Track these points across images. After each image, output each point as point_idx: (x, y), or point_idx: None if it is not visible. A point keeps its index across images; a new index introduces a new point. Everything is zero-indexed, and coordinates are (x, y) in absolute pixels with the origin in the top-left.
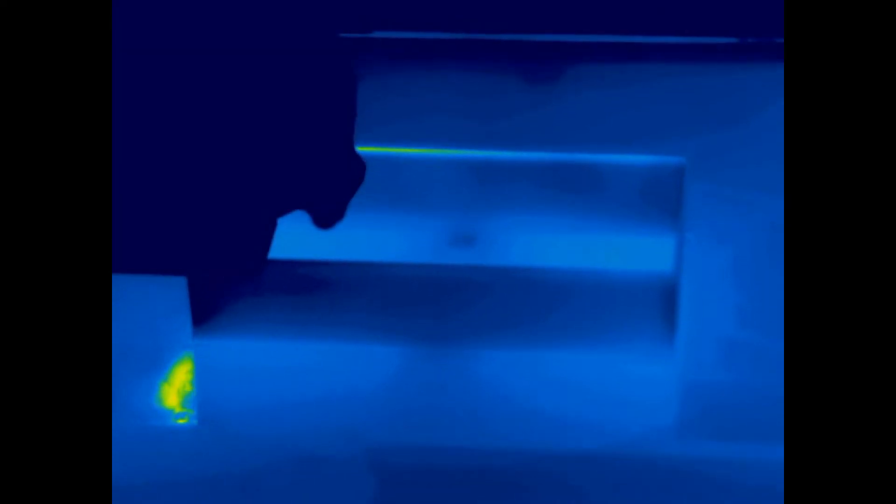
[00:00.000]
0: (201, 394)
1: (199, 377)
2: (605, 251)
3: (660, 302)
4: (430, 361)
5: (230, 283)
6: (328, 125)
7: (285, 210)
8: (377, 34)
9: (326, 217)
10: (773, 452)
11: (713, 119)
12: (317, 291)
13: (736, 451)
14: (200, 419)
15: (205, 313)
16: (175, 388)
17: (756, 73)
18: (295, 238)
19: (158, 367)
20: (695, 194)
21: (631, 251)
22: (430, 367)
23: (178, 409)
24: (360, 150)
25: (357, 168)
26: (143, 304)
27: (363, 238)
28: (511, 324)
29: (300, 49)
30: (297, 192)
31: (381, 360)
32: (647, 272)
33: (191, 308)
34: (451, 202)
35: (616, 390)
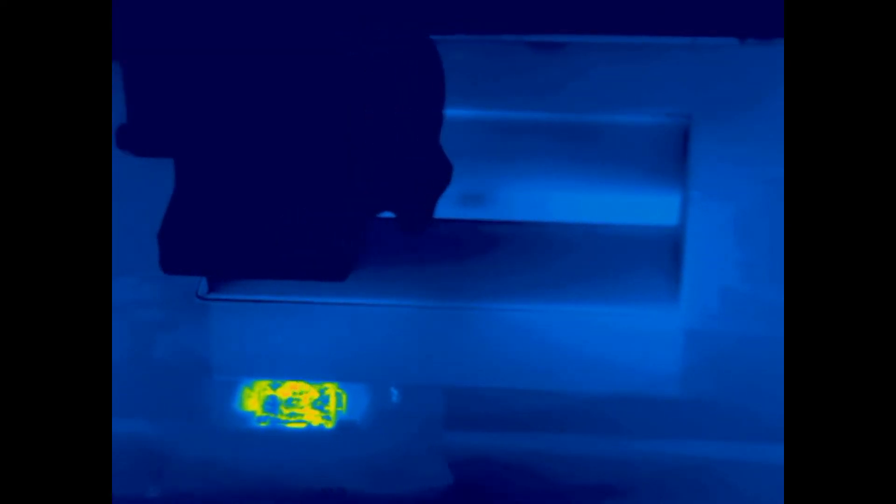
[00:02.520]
0: (219, 352)
1: (218, 334)
2: (615, 208)
3: (666, 255)
4: (443, 314)
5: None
6: (416, 126)
7: (373, 213)
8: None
9: (416, 221)
10: (771, 397)
11: (717, 80)
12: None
13: (736, 395)
14: (217, 372)
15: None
16: (257, 392)
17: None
18: None
19: (243, 373)
20: (699, 153)
21: (639, 208)
22: (442, 319)
23: (259, 413)
24: None
25: (443, 169)
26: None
27: None
28: (526, 276)
29: (385, 50)
30: (384, 195)
31: (395, 313)
32: (654, 227)
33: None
34: (461, 162)
35: (624, 338)
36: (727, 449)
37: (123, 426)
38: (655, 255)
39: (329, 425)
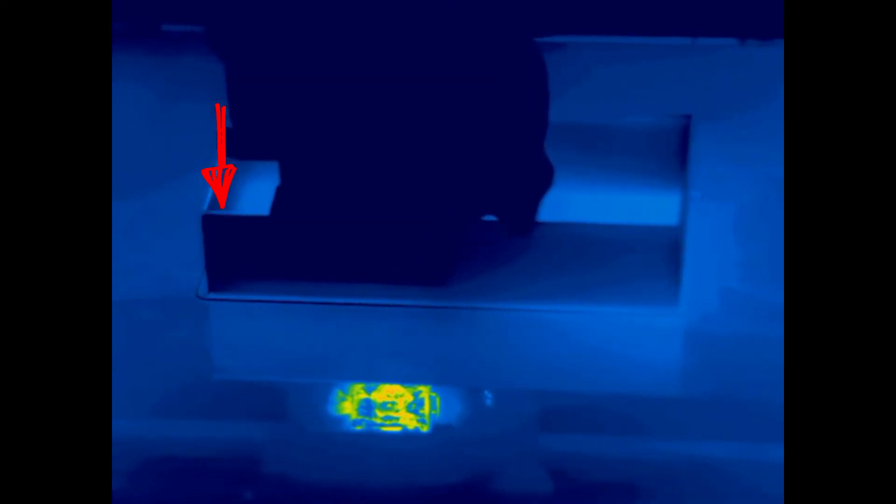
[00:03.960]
0: (219, 352)
1: (217, 334)
2: (615, 207)
3: (666, 255)
4: (437, 314)
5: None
6: (520, 129)
7: (476, 217)
8: None
9: (522, 224)
10: (771, 396)
11: (717, 80)
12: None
13: (735, 394)
14: (217, 372)
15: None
16: (352, 396)
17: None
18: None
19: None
20: (699, 153)
21: (639, 208)
22: (436, 318)
23: (354, 416)
24: None
25: (546, 171)
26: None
27: None
28: (525, 276)
29: (485, 54)
30: (487, 198)
31: (393, 312)
32: (654, 227)
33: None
34: None
35: (624, 338)
36: (727, 448)
37: (123, 426)
38: (655, 255)
39: (424, 429)
